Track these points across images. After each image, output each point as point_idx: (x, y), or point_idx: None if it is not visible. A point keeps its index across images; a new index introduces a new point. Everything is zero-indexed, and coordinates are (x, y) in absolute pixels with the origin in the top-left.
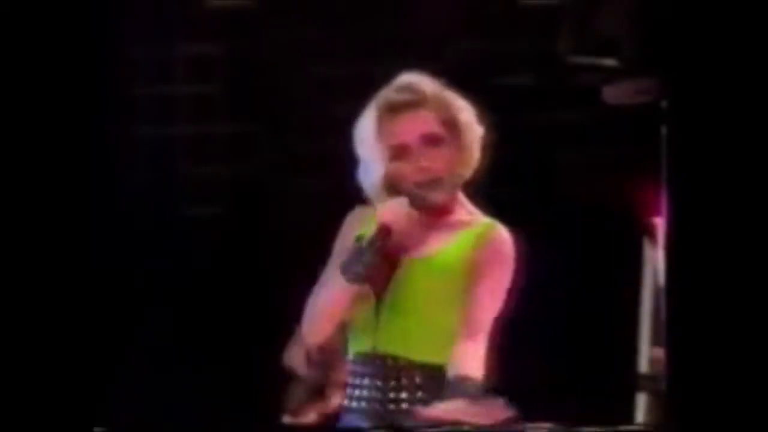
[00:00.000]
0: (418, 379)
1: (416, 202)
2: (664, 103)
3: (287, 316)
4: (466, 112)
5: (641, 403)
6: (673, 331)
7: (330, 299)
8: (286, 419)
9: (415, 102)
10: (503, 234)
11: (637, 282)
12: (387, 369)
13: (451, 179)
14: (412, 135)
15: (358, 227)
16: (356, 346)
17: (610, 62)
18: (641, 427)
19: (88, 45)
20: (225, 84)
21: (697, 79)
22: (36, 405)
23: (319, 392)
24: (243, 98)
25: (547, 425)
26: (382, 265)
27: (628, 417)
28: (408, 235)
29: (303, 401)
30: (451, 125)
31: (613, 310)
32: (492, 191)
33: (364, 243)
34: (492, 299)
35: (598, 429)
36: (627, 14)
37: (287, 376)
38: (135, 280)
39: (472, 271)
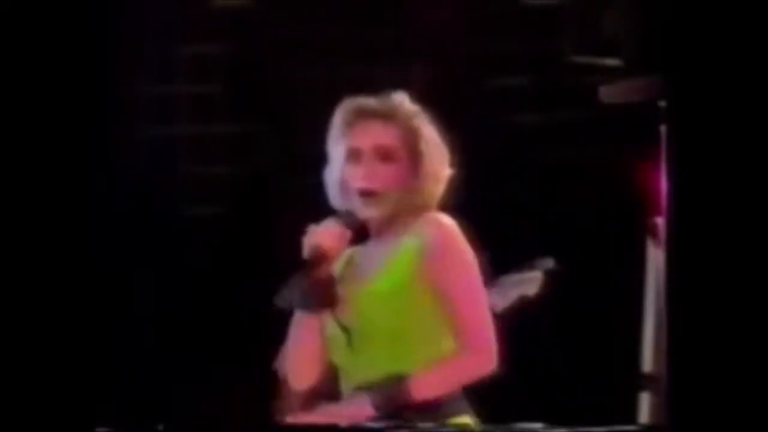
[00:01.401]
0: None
1: (357, 210)
2: (662, 102)
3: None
4: (432, 144)
5: (645, 403)
6: (674, 330)
7: (295, 339)
8: (289, 418)
9: (381, 112)
10: (444, 221)
11: (640, 282)
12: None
13: (394, 197)
14: (366, 142)
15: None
16: (350, 381)
17: (611, 62)
18: (641, 428)
19: (89, 45)
20: (226, 84)
21: (698, 78)
22: (38, 404)
23: (313, 400)
24: (244, 98)
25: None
26: (334, 293)
27: (632, 417)
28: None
29: (296, 408)
30: (412, 147)
31: (617, 310)
32: (496, 192)
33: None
34: (468, 290)
35: (601, 429)
36: (628, 14)
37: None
38: (135, 280)
39: (432, 275)
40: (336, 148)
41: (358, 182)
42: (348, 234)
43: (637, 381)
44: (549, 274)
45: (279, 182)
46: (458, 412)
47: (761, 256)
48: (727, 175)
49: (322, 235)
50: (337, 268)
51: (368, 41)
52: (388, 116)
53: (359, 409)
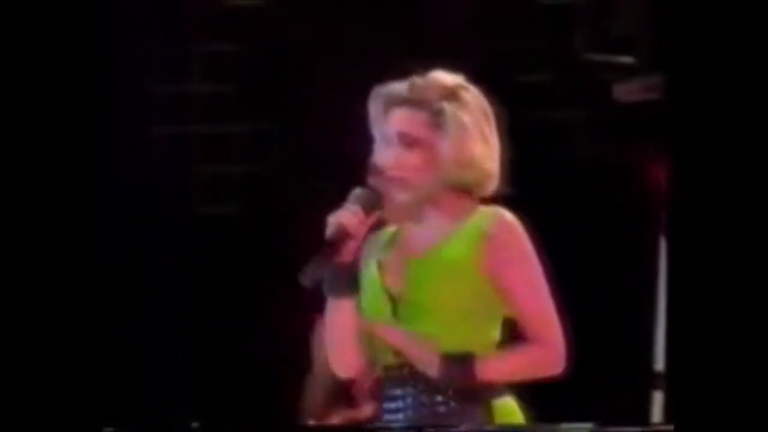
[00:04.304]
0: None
1: (388, 196)
2: (675, 100)
3: (299, 316)
4: (457, 126)
5: (657, 401)
6: (675, 329)
7: (331, 325)
8: (310, 421)
9: (408, 99)
10: (506, 216)
11: (654, 279)
12: (421, 378)
13: (423, 182)
14: (393, 129)
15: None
16: (384, 360)
17: (626, 60)
18: (639, 428)
19: (104, 44)
20: (241, 82)
21: (709, 76)
22: (43, 405)
23: (341, 395)
24: (259, 97)
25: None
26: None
27: (645, 416)
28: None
29: (323, 403)
30: (435, 131)
31: (630, 308)
32: (510, 188)
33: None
34: (532, 286)
35: (612, 429)
36: (642, 12)
37: (303, 378)
38: (149, 279)
39: (492, 266)
40: (373, 132)
41: (386, 169)
42: (370, 217)
43: (651, 380)
44: None
45: (294, 181)
46: (501, 394)
47: (763, 254)
48: (732, 173)
49: (345, 215)
50: (382, 237)
51: (383, 40)
52: (414, 102)
53: (427, 357)
